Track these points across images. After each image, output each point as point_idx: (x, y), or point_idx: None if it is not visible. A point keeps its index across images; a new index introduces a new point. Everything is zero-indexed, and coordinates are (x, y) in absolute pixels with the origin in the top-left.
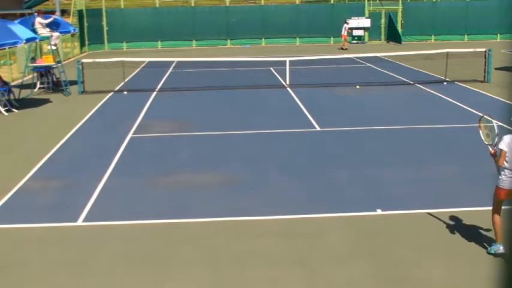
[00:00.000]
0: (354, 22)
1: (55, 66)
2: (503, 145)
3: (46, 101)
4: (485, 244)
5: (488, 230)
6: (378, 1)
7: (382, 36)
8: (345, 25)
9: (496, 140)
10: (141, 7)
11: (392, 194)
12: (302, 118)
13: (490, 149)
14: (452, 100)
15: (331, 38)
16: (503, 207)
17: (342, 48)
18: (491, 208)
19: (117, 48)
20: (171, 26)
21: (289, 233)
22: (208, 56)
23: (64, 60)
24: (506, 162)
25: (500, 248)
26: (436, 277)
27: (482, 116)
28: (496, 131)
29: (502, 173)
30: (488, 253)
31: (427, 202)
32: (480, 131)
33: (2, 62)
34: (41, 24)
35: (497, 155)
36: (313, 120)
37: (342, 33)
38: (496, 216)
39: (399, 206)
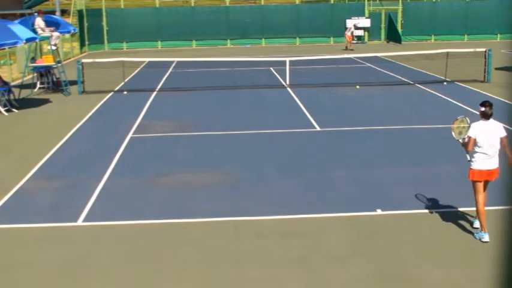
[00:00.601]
0: (354, 22)
1: (55, 66)
2: (471, 133)
3: (46, 101)
4: (485, 244)
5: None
6: (378, 1)
7: (382, 36)
8: (351, 26)
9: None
10: (141, 7)
11: (392, 194)
12: (302, 118)
13: (461, 141)
14: (452, 100)
15: (331, 38)
16: (503, 207)
17: (348, 49)
18: (486, 208)
19: (117, 48)
20: (171, 26)
21: (289, 233)
22: (208, 56)
23: (64, 60)
24: (478, 147)
25: (484, 237)
26: (436, 277)
27: (456, 119)
28: (469, 125)
29: (475, 155)
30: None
31: (427, 202)
32: (453, 132)
33: (2, 62)
34: (40, 27)
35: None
36: (313, 120)
37: (347, 33)
38: (481, 206)
39: (399, 206)
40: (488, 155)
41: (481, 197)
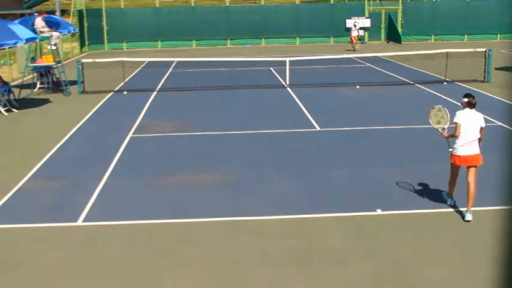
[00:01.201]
0: (353, 22)
1: (55, 66)
2: (457, 119)
3: (46, 101)
4: (484, 244)
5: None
6: (378, 1)
7: (382, 36)
8: (352, 26)
9: (448, 124)
10: (141, 7)
11: (392, 194)
12: (302, 118)
13: (443, 132)
14: (452, 100)
15: (331, 38)
16: (503, 207)
17: (353, 49)
18: (486, 207)
19: (117, 48)
20: (171, 26)
21: (289, 233)
22: (208, 56)
23: (64, 60)
24: (459, 133)
25: (447, 199)
26: (436, 277)
27: (433, 108)
28: (448, 115)
29: (457, 141)
30: (445, 201)
31: (427, 202)
32: (430, 120)
33: (2, 62)
34: (38, 27)
35: (450, 132)
36: (313, 120)
37: (352, 34)
38: (452, 185)
39: (399, 206)
40: (467, 141)
41: (454, 180)
